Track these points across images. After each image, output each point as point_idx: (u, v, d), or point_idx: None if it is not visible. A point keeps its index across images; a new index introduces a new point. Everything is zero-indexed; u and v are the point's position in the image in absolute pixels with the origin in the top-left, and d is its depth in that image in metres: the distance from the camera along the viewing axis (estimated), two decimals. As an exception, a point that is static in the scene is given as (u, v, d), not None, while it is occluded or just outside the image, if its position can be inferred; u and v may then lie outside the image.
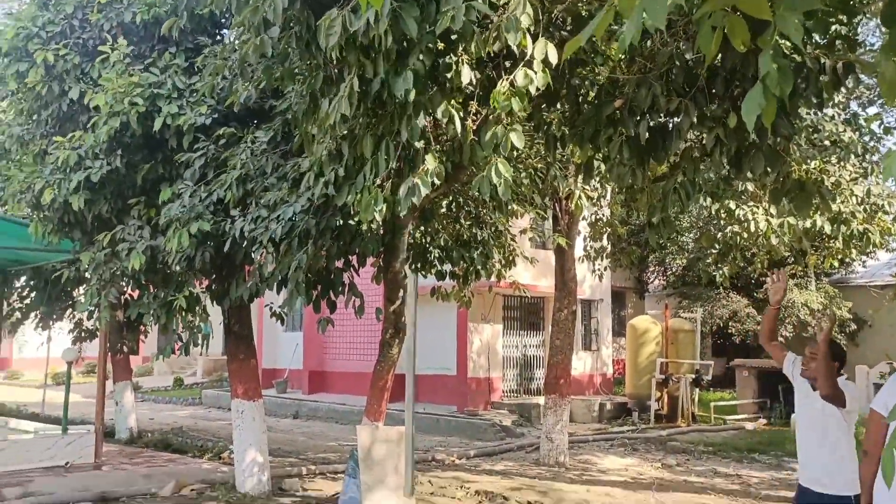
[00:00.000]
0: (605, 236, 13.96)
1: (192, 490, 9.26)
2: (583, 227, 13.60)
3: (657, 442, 14.06)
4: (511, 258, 10.83)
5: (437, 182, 4.49)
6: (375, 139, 4.51)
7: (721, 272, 11.91)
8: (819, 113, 9.18)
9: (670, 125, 4.55)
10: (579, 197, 8.50)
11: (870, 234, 9.52)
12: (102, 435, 11.27)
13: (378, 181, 4.59)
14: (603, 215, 13.90)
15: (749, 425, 15.92)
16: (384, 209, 4.57)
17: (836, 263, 10.90)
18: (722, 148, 4.48)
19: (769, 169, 4.50)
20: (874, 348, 20.90)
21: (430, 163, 4.43)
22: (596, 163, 5.99)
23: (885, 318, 20.44)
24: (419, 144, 4.64)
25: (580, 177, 9.15)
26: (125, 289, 9.79)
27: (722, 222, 10.46)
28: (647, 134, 4.39)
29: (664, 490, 9.96)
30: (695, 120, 4.24)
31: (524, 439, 14.23)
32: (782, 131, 4.35)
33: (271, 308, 9.95)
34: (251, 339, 9.67)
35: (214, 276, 8.70)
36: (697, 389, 17.00)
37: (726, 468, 11.67)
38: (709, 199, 9.05)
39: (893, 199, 10.65)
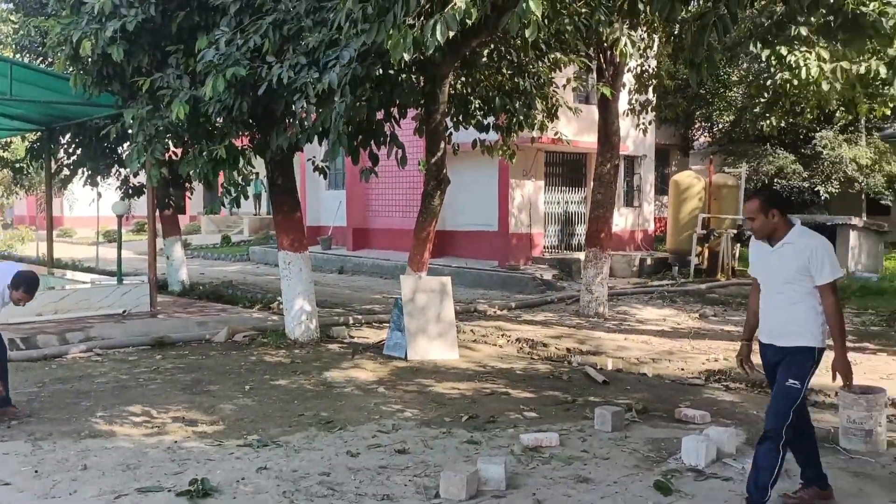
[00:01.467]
0: (650, 88, 13.57)
1: (244, 336, 9.73)
2: (628, 79, 13.20)
3: (696, 294, 14.23)
4: (554, 109, 10.63)
5: (468, 21, 4.35)
6: (405, -27, 4.36)
7: (770, 122, 11.56)
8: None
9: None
10: (625, 44, 8.18)
11: (929, 80, 9.08)
12: (156, 285, 11.75)
13: (409, 20, 4.47)
14: (649, 67, 13.46)
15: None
16: (412, 49, 4.47)
17: (888, 112, 10.47)
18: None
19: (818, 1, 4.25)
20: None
21: (460, 1, 4.28)
22: (640, 4, 5.72)
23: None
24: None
25: (626, 22, 8.79)
26: (170, 145, 9.92)
27: (773, 70, 10.05)
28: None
29: (700, 338, 10.18)
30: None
31: (564, 292, 14.50)
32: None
33: (313, 162, 10.04)
34: (295, 191, 9.80)
35: (256, 127, 8.73)
36: (738, 245, 16.96)
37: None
38: (759, 45, 8.67)
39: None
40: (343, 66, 6.12)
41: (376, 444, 5.55)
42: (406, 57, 4.55)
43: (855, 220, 16.40)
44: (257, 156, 8.85)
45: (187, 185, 14.40)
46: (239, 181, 8.43)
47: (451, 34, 4.34)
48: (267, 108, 7.93)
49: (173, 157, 10.78)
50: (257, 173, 8.56)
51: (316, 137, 7.51)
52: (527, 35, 4.25)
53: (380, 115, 7.79)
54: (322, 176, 10.43)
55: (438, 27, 4.26)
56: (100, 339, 9.27)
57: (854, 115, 13.10)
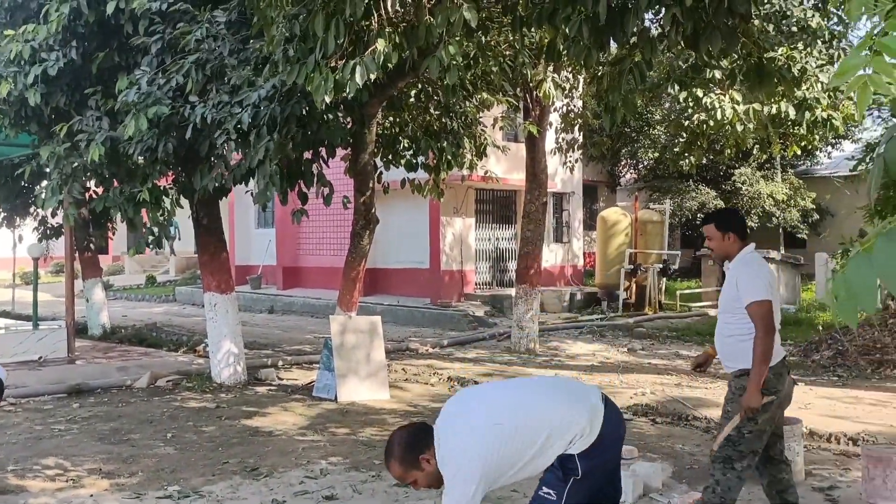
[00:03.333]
0: (576, 127, 13.89)
1: (167, 381, 9.43)
2: (554, 118, 13.50)
3: (624, 329, 14.48)
4: (482, 148, 10.77)
5: (389, 65, 4.40)
6: (327, 18, 4.37)
7: (689, 161, 11.99)
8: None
9: (629, 4, 4.46)
10: (549, 86, 8.39)
11: (833, 120, 9.57)
12: (74, 330, 11.34)
13: (331, 62, 4.49)
14: (575, 106, 13.79)
15: (712, 311, 16.40)
16: (333, 91, 4.48)
17: (798, 151, 10.99)
18: (678, 27, 4.41)
19: (726, 48, 4.45)
20: (837, 237, 21.39)
21: (381, 44, 4.32)
22: (560, 47, 5.89)
23: (849, 208, 20.79)
24: (371, 24, 4.51)
25: (550, 65, 9.02)
26: (88, 184, 9.67)
27: (690, 111, 10.45)
28: (605, 13, 4.30)
29: (628, 372, 10.34)
30: (651, -2, 4.15)
31: (496, 329, 14.56)
32: (739, 9, 4.28)
33: (251, 193, 9.92)
34: (221, 231, 9.65)
35: (180, 167, 8.58)
36: (664, 279, 17.39)
37: (688, 351, 12.10)
38: (677, 87, 9.02)
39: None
40: (254, 106, 6.09)
41: (303, 491, 5.42)
42: (328, 99, 4.55)
43: (774, 254, 17.02)
44: (181, 196, 8.69)
45: (109, 224, 14.01)
46: (162, 221, 8.26)
47: (373, 77, 4.36)
48: (191, 148, 7.82)
49: (94, 196, 10.48)
50: (170, 217, 8.36)
51: (240, 177, 7.43)
52: (447, 80, 4.30)
53: (308, 154, 7.77)
54: (262, 209, 10.34)
55: (358, 70, 4.29)
56: (13, 388, 8.84)
57: (769, 153, 13.67)
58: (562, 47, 5.02)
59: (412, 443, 3.09)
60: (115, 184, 8.41)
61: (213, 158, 7.75)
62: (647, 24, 5.28)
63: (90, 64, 7.98)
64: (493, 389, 3.70)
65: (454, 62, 4.14)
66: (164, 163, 7.69)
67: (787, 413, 6.95)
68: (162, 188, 8.12)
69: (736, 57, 6.03)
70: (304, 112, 6.72)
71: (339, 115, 7.29)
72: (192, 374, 9.71)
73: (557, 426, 3.07)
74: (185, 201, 9.00)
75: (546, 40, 5.71)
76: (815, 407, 8.06)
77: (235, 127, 6.30)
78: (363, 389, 8.71)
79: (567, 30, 4.46)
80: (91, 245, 13.76)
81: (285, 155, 6.49)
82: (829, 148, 23.43)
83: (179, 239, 8.32)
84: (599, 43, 4.57)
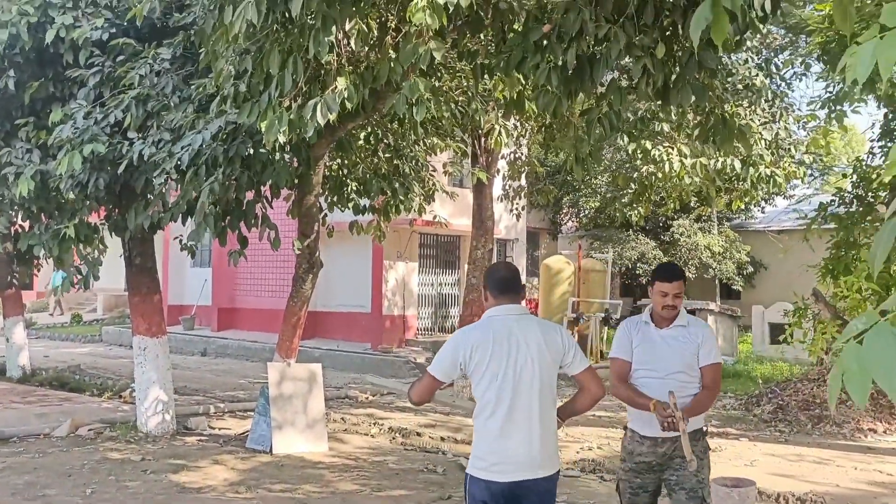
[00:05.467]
0: (523, 175, 13.92)
1: (89, 430, 8.86)
2: (502, 165, 13.51)
3: (567, 379, 14.32)
4: (431, 192, 10.62)
5: (348, 105, 4.20)
6: (283, 55, 4.17)
7: (636, 212, 12.08)
8: (732, 57, 9.29)
9: (598, 54, 4.38)
10: (499, 133, 8.31)
11: (776, 176, 9.76)
12: (-9, 373, 10.65)
13: (286, 101, 4.27)
14: (522, 154, 13.82)
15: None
16: (287, 131, 4.25)
17: (742, 206, 11.19)
18: (648, 79, 4.35)
19: (697, 102, 4.41)
20: (770, 290, 21.92)
21: (341, 83, 4.14)
22: (526, 102, 5.79)
23: (782, 262, 21.36)
24: (330, 62, 4.32)
25: (500, 112, 8.97)
26: (14, 218, 9.16)
27: (637, 163, 10.53)
28: (574, 62, 4.22)
29: (574, 425, 10.15)
30: (622, 48, 4.08)
31: (437, 376, 14.26)
32: (709, 64, 4.25)
33: (180, 241, 9.50)
34: (155, 271, 9.22)
35: (112, 204, 8.18)
36: (606, 328, 17.39)
37: (632, 403, 12.00)
38: (626, 139, 9.06)
39: (800, 144, 10.94)
40: (191, 148, 5.80)
41: (234, 558, 5.03)
42: (281, 139, 4.32)
43: (712, 305, 17.23)
44: (113, 234, 8.26)
45: (35, 260, 13.32)
46: (92, 260, 7.84)
47: (332, 117, 4.16)
48: (125, 184, 7.44)
49: (20, 230, 9.93)
50: (106, 247, 7.93)
51: (179, 215, 7.08)
52: (416, 116, 4.12)
53: (251, 194, 7.48)
54: (190, 255, 9.90)
55: (319, 109, 4.07)
56: (-83, 436, 8.17)
57: (709, 206, 13.92)
58: (530, 97, 4.90)
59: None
60: (44, 219, 7.96)
61: (149, 195, 7.38)
62: (616, 74, 5.23)
63: (23, 93, 7.58)
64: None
65: (423, 98, 3.97)
66: (95, 199, 7.30)
67: (737, 470, 6.86)
68: (92, 225, 7.71)
69: (701, 111, 6.02)
70: (249, 152, 6.45)
71: (286, 155, 7.02)
72: (116, 423, 9.15)
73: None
74: (115, 239, 8.57)
75: (502, 89, 5.61)
76: (761, 464, 7.99)
77: (175, 166, 5.98)
78: (300, 441, 8.32)
79: (535, 78, 4.34)
80: (14, 281, 13.04)
81: (226, 196, 6.19)
82: (763, 203, 24.15)
83: (97, 278, 7.86)
84: (569, 92, 4.46)
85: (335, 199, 9.41)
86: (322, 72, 4.47)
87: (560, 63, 4.30)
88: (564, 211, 26.52)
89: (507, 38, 5.00)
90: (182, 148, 5.85)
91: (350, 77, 4.29)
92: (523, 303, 3.79)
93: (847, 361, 1.53)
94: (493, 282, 3.60)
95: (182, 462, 7.67)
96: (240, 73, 4.58)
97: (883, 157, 9.45)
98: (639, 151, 9.54)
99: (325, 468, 7.65)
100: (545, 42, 4.29)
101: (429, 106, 4.65)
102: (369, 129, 9.01)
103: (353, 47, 4.11)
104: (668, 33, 4.42)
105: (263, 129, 4.27)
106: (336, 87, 4.12)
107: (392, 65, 4.20)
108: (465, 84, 7.93)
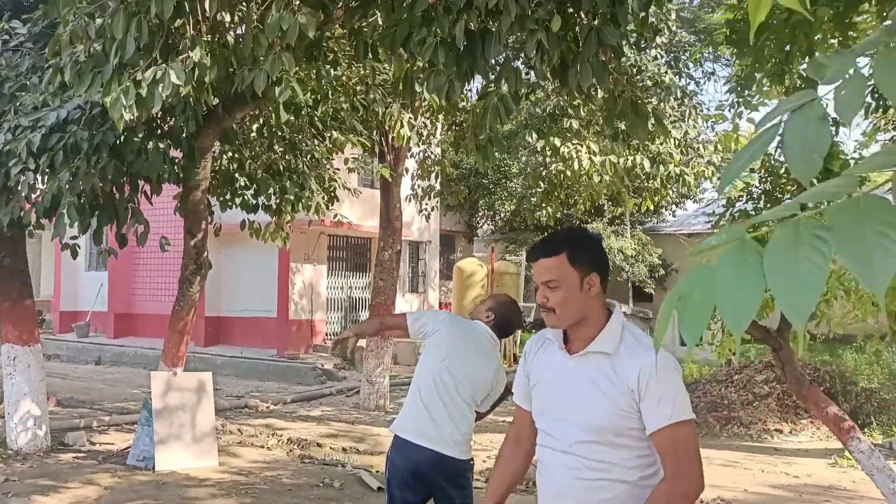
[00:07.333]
0: (433, 174, 13.52)
1: (-51, 449, 7.99)
2: (411, 164, 13.07)
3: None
4: (332, 190, 10.07)
5: (206, 79, 3.69)
6: (128, 17, 3.63)
7: (546, 212, 11.85)
8: (641, 54, 9.13)
9: (490, 29, 4.01)
10: (401, 126, 7.88)
11: (686, 176, 9.66)
12: None
13: (133, 72, 3.72)
14: (433, 153, 13.43)
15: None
16: (135, 107, 3.71)
17: (652, 206, 11.10)
18: (543, 56, 4.00)
19: (598, 83, 4.08)
20: (681, 292, 22.23)
21: (196, 53, 3.63)
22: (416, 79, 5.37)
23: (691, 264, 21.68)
24: (185, 30, 3.80)
25: (403, 105, 8.54)
26: None
27: (547, 160, 10.28)
28: (464, 37, 3.83)
29: (481, 432, 9.81)
30: (514, 20, 3.70)
31: (345, 383, 13.75)
32: (609, 41, 3.92)
33: (60, 239, 8.71)
34: (26, 274, 8.41)
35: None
36: (520, 331, 17.19)
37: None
38: (535, 136, 8.79)
39: (709, 144, 10.92)
40: (51, 129, 5.16)
41: None
42: (127, 116, 3.76)
43: (625, 308, 17.22)
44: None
45: None
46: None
47: (183, 91, 3.64)
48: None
49: None
50: None
51: (43, 210, 6.37)
52: (277, 96, 3.66)
53: (127, 189, 6.82)
54: (72, 255, 9.10)
55: (170, 78, 3.54)
56: None
57: (622, 207, 13.86)
58: (420, 79, 4.48)
59: None
60: None
61: (9, 190, 6.64)
62: (510, 53, 4.87)
63: None
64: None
65: (286, 76, 3.51)
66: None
67: None
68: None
69: (609, 95, 5.68)
70: (118, 140, 5.82)
71: (162, 145, 6.40)
72: (-19, 441, 8.29)
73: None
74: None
75: (395, 73, 5.18)
76: (669, 468, 7.80)
77: (29, 152, 5.31)
78: (187, 457, 7.68)
79: (422, 54, 3.91)
80: None
81: (91, 187, 5.55)
82: (675, 207, 24.50)
83: None
84: (462, 73, 4.06)
85: (226, 196, 8.79)
86: (178, 42, 3.95)
87: (450, 40, 3.91)
88: (480, 214, 26.32)
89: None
90: (33, 131, 5.20)
91: (210, 48, 3.79)
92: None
93: (689, 286, 1.08)
94: (499, 317, 3.87)
95: (51, 483, 6.95)
96: (79, 37, 4.00)
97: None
98: (548, 149, 9.28)
99: (212, 485, 7.05)
100: (432, 14, 3.88)
101: (294, 87, 4.17)
102: (262, 122, 8.43)
103: (208, 10, 3.62)
104: (566, 5, 4.08)
105: (108, 105, 3.72)
106: (188, 56, 3.62)
107: (255, 37, 3.72)
108: (364, 73, 7.47)
